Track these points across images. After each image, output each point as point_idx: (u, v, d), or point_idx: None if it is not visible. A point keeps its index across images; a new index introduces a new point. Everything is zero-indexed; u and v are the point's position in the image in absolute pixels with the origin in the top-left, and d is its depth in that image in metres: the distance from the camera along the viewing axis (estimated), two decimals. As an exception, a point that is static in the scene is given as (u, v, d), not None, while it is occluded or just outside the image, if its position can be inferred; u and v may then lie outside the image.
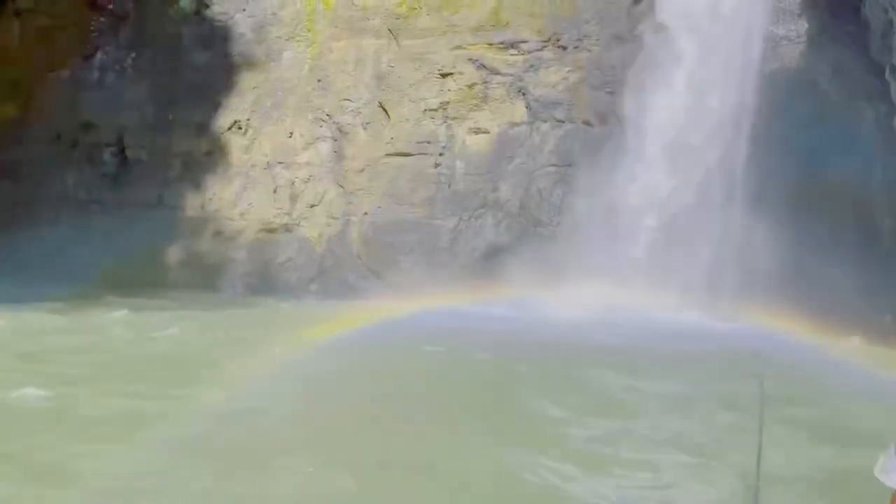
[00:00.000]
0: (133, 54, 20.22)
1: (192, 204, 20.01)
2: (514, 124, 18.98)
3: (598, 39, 18.90)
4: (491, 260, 18.32)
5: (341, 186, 19.67)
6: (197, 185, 20.00)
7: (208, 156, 20.01)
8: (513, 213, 18.77)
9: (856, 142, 16.60)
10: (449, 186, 18.95)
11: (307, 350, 11.48)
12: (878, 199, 16.02)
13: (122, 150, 20.33)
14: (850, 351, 12.81)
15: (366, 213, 19.34)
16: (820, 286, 14.30)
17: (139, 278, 18.05)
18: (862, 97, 16.35)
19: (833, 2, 17.15)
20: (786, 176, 15.96)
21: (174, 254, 19.71)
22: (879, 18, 15.10)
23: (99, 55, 20.25)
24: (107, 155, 20.38)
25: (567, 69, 18.89)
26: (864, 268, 14.75)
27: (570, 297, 15.00)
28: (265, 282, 19.46)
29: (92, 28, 20.15)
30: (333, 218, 19.65)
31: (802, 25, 17.73)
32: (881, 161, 16.07)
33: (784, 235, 14.97)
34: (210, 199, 20.04)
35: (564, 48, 18.95)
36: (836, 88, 17.13)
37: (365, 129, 19.67)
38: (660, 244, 16.45)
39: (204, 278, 19.31)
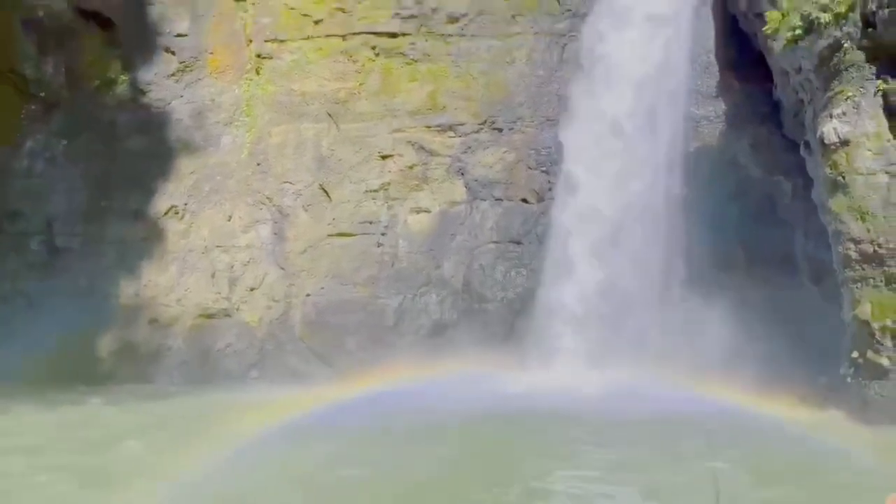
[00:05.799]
0: (65, 142, 19.74)
1: (125, 292, 19.30)
2: (454, 203, 19.36)
3: (531, 121, 19.71)
4: (437, 337, 18.30)
5: (282, 268, 19.44)
6: (131, 272, 19.37)
7: (143, 242, 19.48)
8: (457, 290, 18.90)
9: (777, 214, 17.59)
10: (392, 265, 19.01)
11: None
12: (802, 266, 16.85)
13: (51, 239, 19.62)
14: (793, 417, 13.08)
15: (308, 295, 19.10)
16: (757, 354, 14.76)
17: (66, 374, 17.17)
18: (780, 171, 17.39)
19: (746, 85, 18.42)
20: (717, 248, 16.70)
21: (106, 345, 18.83)
22: (791, 99, 16.20)
23: (28, 143, 19.70)
24: (34, 244, 19.60)
25: (503, 150, 19.55)
26: (798, 333, 15.34)
27: (519, 373, 15.03)
28: (204, 370, 18.78)
29: (22, 115, 19.69)
30: (274, 301, 19.30)
31: (720, 106, 18.97)
32: (802, 230, 16.99)
33: (721, 305, 15.50)
34: (145, 286, 19.41)
35: (500, 130, 19.66)
36: (755, 164, 18.22)
37: (306, 210, 19.66)
38: (604, 317, 16.75)
39: (138, 369, 18.52)
